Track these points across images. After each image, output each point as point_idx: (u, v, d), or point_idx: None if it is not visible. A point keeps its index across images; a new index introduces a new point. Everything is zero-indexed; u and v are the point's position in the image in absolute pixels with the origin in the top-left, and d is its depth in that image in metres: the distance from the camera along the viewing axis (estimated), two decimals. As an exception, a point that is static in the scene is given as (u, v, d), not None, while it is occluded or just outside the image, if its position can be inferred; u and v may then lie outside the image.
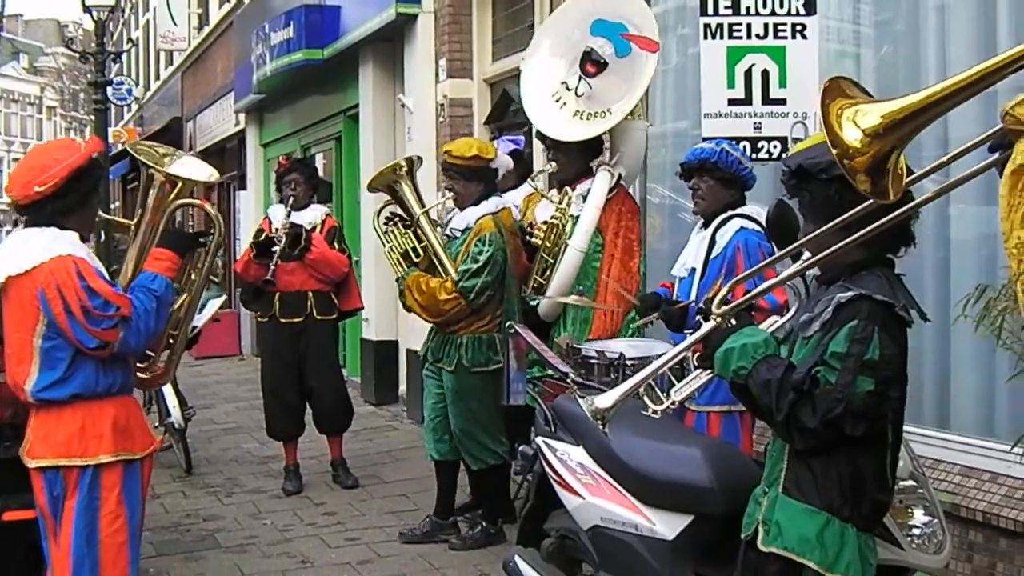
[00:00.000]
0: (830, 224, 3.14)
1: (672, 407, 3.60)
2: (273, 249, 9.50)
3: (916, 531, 4.82)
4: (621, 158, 7.68)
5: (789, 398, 3.56)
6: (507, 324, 6.97)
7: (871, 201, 2.91)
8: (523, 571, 5.59)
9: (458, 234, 7.91)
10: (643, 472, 4.99)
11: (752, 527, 3.87)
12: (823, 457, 3.67)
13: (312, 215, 9.87)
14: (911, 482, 4.90)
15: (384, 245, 8.10)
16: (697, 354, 3.73)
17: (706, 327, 3.63)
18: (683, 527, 4.87)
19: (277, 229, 9.61)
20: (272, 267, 9.47)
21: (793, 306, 4.21)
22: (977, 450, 6.50)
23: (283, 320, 9.78)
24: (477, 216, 7.83)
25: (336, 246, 9.77)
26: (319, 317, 9.80)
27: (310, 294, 9.74)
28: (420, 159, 8.53)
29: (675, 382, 3.81)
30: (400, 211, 8.14)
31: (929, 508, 4.92)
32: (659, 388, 3.60)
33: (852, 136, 2.57)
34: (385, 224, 8.13)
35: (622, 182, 7.67)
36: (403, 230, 7.99)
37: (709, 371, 3.75)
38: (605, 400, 3.41)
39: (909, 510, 4.86)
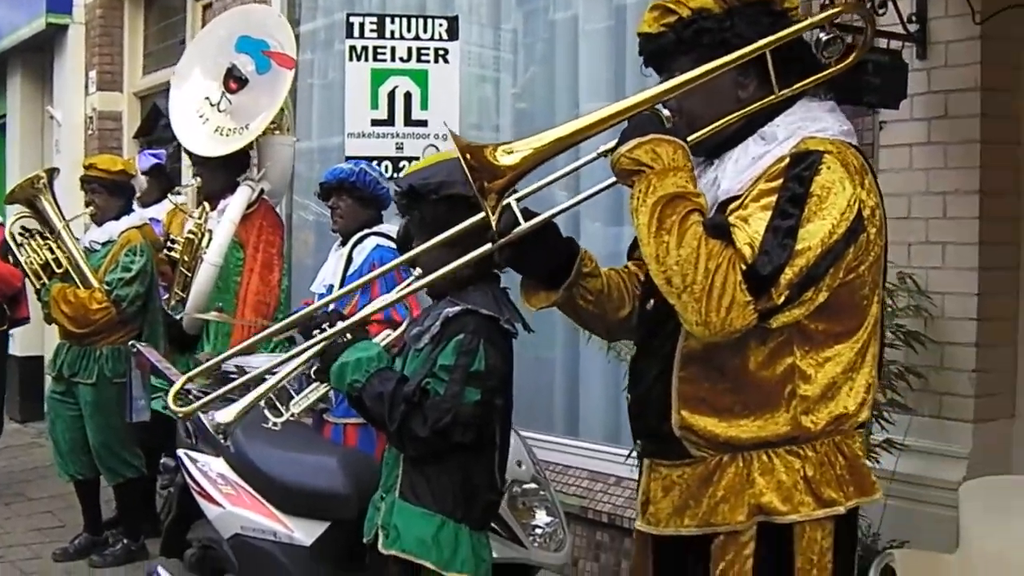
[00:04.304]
0: (436, 240, 3.25)
1: (292, 419, 3.72)
2: None
3: (539, 531, 5.12)
4: (266, 173, 7.70)
5: (401, 409, 3.69)
6: (130, 343, 6.97)
7: (477, 218, 3.06)
8: (165, 581, 5.67)
9: (98, 247, 7.90)
10: (281, 481, 5.15)
11: (372, 531, 3.99)
12: (436, 463, 3.82)
13: None
14: (533, 485, 5.19)
15: (21, 256, 7.94)
16: (315, 367, 3.85)
17: (319, 338, 3.76)
18: (320, 533, 5.05)
19: None
20: None
21: (406, 320, 4.41)
22: (603, 455, 6.87)
23: None
24: (120, 229, 7.86)
25: (10, 259, 9.49)
26: None
27: None
28: (58, 170, 8.42)
29: (295, 396, 3.92)
30: (37, 224, 7.99)
31: (551, 509, 5.23)
32: (281, 401, 3.71)
33: (508, 160, 2.81)
34: (20, 236, 7.99)
35: (266, 197, 7.69)
36: (41, 241, 7.86)
37: (326, 384, 3.88)
38: (226, 415, 3.52)
39: (532, 511, 5.16)
